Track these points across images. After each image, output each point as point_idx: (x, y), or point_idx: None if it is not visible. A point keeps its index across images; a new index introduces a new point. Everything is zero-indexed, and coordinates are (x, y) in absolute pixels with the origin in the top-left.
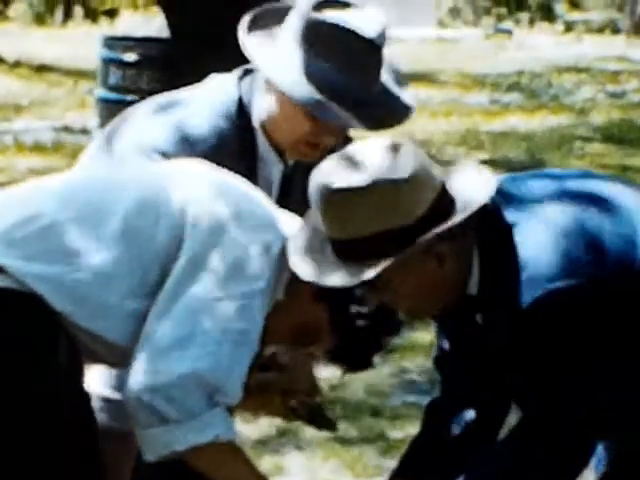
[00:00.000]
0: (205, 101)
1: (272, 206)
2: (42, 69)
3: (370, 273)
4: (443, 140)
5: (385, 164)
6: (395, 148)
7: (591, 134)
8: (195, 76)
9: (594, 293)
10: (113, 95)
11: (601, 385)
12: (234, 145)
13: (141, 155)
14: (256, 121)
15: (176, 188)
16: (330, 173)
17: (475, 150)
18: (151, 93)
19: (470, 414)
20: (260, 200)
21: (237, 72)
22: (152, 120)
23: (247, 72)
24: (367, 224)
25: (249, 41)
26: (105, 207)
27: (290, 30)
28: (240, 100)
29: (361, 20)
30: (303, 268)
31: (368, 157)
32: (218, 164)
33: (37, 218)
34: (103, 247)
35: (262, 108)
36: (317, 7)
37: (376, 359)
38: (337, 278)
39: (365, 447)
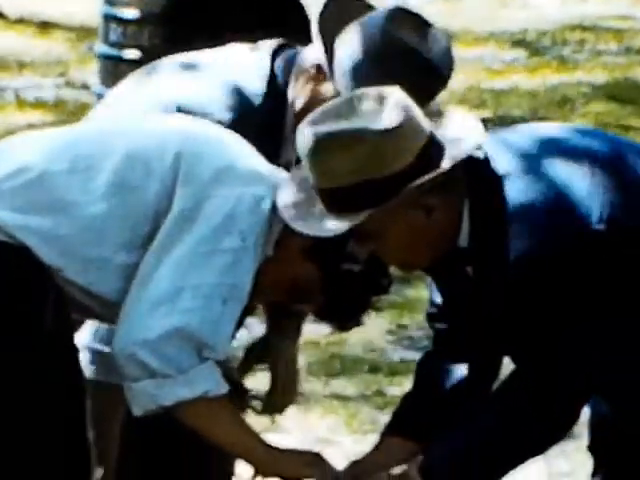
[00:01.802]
0: (236, 72)
1: (264, 161)
2: (45, 26)
3: (354, 220)
4: (446, 97)
5: (372, 113)
6: (383, 97)
7: (594, 92)
8: (197, 34)
9: (584, 246)
10: (114, 51)
11: (594, 344)
12: (262, 121)
13: (162, 111)
14: (290, 101)
15: (168, 142)
16: (317, 122)
17: (478, 108)
18: (152, 50)
19: (463, 369)
20: (252, 155)
21: (269, 46)
22: (180, 80)
23: (279, 47)
24: (353, 173)
25: (321, 28)
26: (96, 160)
27: (360, 35)
28: (273, 77)
29: (435, 50)
30: (292, 219)
31: (356, 106)
32: (244, 136)
33: (26, 170)
34: (93, 200)
35: (303, 94)
36: (394, 20)
37: (366, 317)
38: (324, 226)
39: (362, 403)
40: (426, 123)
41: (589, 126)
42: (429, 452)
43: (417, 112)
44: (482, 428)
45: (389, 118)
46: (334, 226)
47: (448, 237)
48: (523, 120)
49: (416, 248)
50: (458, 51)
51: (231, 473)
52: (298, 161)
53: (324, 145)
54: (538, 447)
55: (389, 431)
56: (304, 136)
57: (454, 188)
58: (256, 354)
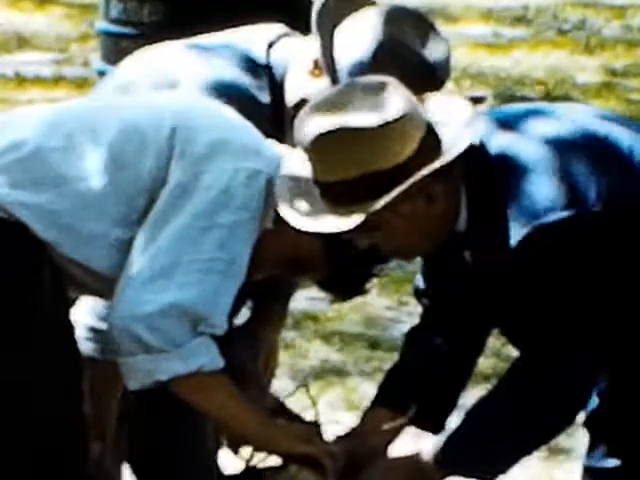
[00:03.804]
0: (237, 63)
1: (260, 136)
2: (45, 2)
3: (360, 216)
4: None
5: (372, 105)
6: (381, 88)
7: (595, 68)
8: (197, 9)
9: (583, 229)
10: (114, 28)
11: (594, 323)
12: (262, 114)
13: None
14: (289, 96)
15: (164, 115)
16: (316, 114)
17: (478, 84)
18: (152, 26)
19: (450, 342)
20: (250, 130)
21: (267, 35)
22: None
23: (277, 37)
24: (355, 166)
25: (319, 21)
26: (91, 136)
27: (360, 33)
28: (270, 70)
29: (434, 53)
30: (290, 213)
31: (355, 98)
32: None
33: (21, 146)
34: (88, 175)
35: (299, 88)
36: (395, 20)
37: (369, 287)
38: (327, 223)
39: (362, 380)
40: (423, 111)
41: (590, 103)
42: (439, 438)
43: (414, 101)
44: (492, 412)
45: (391, 109)
46: (336, 223)
47: (447, 224)
48: (524, 97)
49: (417, 237)
50: (459, 28)
51: (220, 443)
52: None
53: (327, 139)
54: (550, 430)
55: (375, 403)
56: (303, 130)
57: (452, 175)
58: (237, 341)
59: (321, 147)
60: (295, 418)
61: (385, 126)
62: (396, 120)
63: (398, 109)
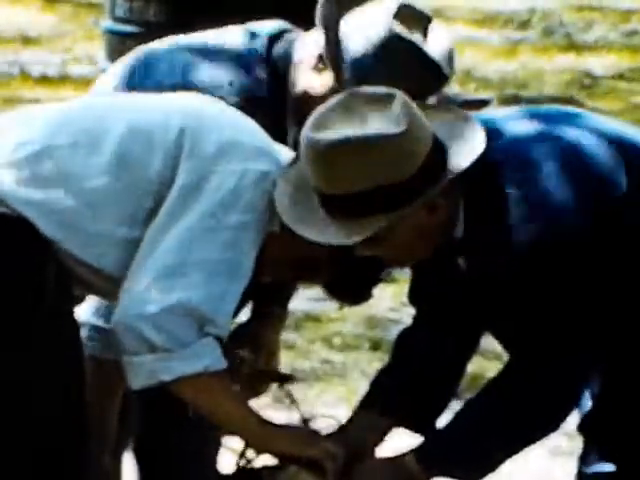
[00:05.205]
0: (237, 58)
1: (268, 138)
2: (51, 0)
3: (367, 231)
4: (452, 77)
5: (382, 117)
6: (389, 99)
7: (601, 72)
8: (202, 9)
9: (582, 233)
10: (120, 27)
11: (589, 326)
12: (264, 110)
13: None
14: (290, 90)
15: (172, 115)
16: (322, 125)
17: (484, 88)
18: (158, 25)
19: (441, 343)
20: (257, 131)
21: (268, 30)
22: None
23: (279, 32)
24: (360, 179)
25: (323, 16)
26: (99, 134)
27: (363, 29)
28: (273, 63)
29: (437, 49)
30: (294, 222)
31: (363, 110)
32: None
33: (28, 144)
34: (95, 174)
35: (302, 83)
36: (398, 17)
37: (375, 290)
38: (336, 235)
39: (363, 380)
40: (428, 123)
41: (596, 107)
42: (426, 438)
43: (420, 114)
44: (480, 414)
45: (397, 122)
46: (341, 237)
47: (447, 230)
48: (529, 101)
49: (417, 246)
50: (465, 31)
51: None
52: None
53: (336, 152)
54: (540, 431)
55: (363, 405)
56: (307, 140)
57: (454, 183)
58: (238, 341)
59: (330, 159)
60: (275, 378)
61: (395, 138)
62: (402, 134)
63: (404, 122)
